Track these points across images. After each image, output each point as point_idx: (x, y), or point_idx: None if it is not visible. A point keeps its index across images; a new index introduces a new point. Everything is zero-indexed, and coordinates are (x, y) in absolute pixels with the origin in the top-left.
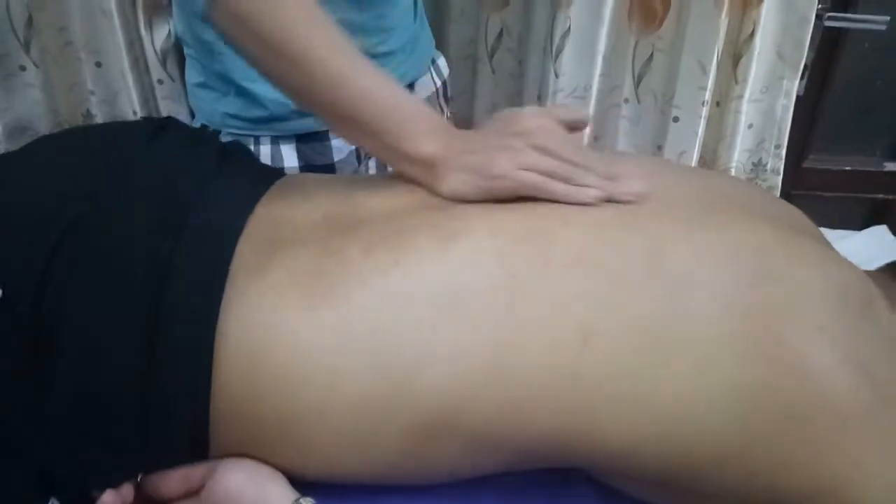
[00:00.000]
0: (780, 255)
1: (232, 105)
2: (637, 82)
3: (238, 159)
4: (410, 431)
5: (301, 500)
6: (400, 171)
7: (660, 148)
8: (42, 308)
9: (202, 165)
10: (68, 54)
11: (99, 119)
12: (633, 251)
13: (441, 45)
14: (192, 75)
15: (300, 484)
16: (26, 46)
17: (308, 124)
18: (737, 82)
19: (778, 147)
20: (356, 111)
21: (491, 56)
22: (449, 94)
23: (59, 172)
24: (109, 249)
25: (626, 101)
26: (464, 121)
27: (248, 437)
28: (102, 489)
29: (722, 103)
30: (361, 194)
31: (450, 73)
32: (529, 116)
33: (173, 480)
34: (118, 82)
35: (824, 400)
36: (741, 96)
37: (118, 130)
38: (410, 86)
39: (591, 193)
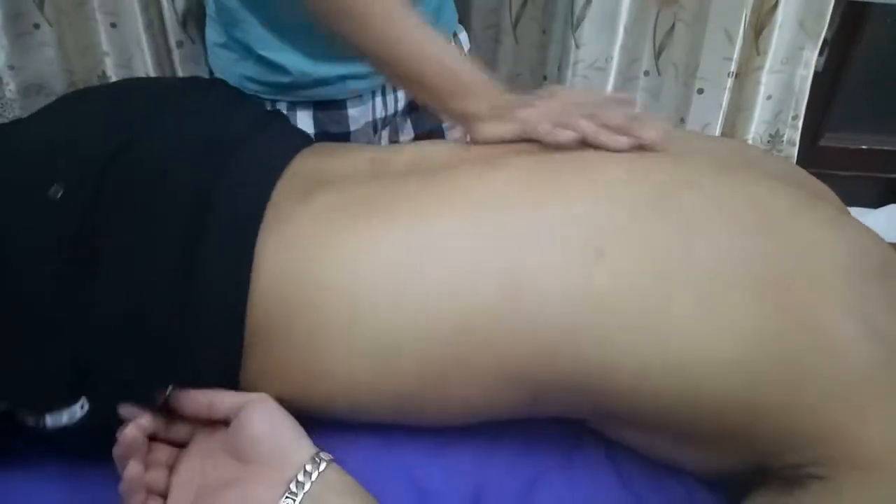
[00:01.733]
0: (795, 212)
1: (251, 69)
2: (658, 54)
3: (281, 122)
4: (428, 355)
5: (320, 454)
6: (450, 121)
7: (682, 120)
8: (96, 210)
9: (247, 118)
10: (84, 13)
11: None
12: (650, 189)
13: (464, 15)
14: (213, 35)
15: (320, 441)
16: (40, 4)
17: (328, 92)
18: (758, 53)
19: (795, 118)
20: (410, 71)
21: (515, 25)
22: None
23: (114, 107)
24: (157, 168)
25: (647, 73)
26: None
27: (279, 356)
28: (132, 401)
29: (742, 75)
30: (398, 150)
31: (471, 45)
32: (566, 90)
33: (200, 403)
34: (133, 44)
35: (831, 350)
36: (762, 67)
37: (169, 83)
38: None
39: (569, 136)
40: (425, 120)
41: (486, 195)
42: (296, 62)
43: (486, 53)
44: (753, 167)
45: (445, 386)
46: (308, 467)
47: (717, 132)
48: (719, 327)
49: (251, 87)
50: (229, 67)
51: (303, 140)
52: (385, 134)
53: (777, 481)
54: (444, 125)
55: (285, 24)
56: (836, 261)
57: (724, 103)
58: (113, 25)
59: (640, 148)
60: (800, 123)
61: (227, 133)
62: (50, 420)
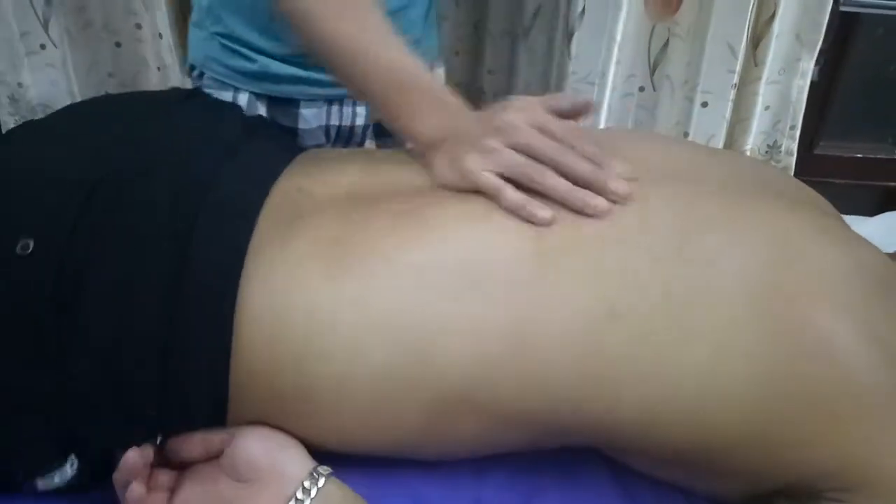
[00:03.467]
0: (803, 235)
1: (217, 51)
2: (653, 69)
3: (261, 134)
4: (430, 405)
5: (318, 469)
6: (408, 144)
7: (686, 134)
8: (68, 265)
9: (225, 137)
10: (89, 34)
11: None
12: (667, 230)
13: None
14: (193, 14)
15: (319, 454)
16: (45, 25)
17: (282, 90)
18: (756, 65)
19: (793, 128)
20: (367, 84)
21: (527, 34)
22: None
23: (86, 138)
24: (133, 215)
25: (642, 89)
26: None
27: (267, 407)
28: (123, 449)
29: (740, 86)
30: (386, 168)
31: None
32: (517, 110)
33: (193, 444)
34: (138, 64)
35: (846, 379)
36: (759, 78)
37: (145, 99)
38: None
39: (539, 215)
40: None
41: (479, 250)
42: (260, 53)
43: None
44: (759, 188)
45: (443, 433)
46: (307, 483)
47: (721, 144)
48: (733, 370)
49: (216, 70)
50: (198, 45)
51: (284, 150)
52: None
53: (788, 502)
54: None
55: (256, 21)
56: (847, 285)
57: (728, 115)
58: (118, 45)
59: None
60: (797, 133)
61: (204, 161)
62: (41, 484)
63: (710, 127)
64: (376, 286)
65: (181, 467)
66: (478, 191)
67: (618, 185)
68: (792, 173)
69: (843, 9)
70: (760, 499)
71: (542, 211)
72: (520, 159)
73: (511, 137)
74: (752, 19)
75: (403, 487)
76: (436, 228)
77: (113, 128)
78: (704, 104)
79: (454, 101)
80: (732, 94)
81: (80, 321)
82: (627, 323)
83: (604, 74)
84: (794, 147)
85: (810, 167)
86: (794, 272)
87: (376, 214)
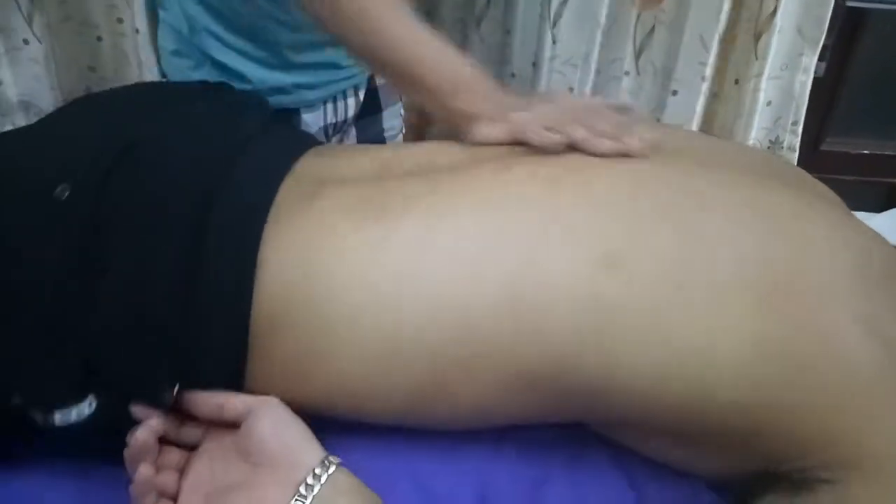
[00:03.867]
0: (800, 216)
1: (209, 75)
2: (638, 55)
3: (284, 124)
4: (433, 352)
5: (329, 457)
6: (444, 120)
7: (658, 121)
8: (100, 213)
9: (252, 121)
10: (71, 28)
11: None
12: (666, 198)
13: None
14: (166, 42)
15: (328, 441)
16: (29, 20)
17: (282, 101)
18: (757, 59)
19: (795, 124)
20: (402, 69)
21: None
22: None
23: (120, 111)
24: (160, 172)
25: (627, 73)
26: None
27: (284, 358)
28: (139, 399)
29: (741, 81)
30: (411, 147)
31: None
32: (564, 95)
33: (209, 405)
34: (120, 59)
35: (836, 355)
36: (761, 74)
37: (175, 87)
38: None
39: (557, 139)
40: (369, 128)
41: (492, 200)
42: (253, 70)
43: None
44: (760, 172)
45: (448, 388)
46: (317, 470)
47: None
48: (727, 333)
49: None
50: (184, 74)
51: (308, 141)
52: (335, 140)
53: (784, 483)
54: (385, 134)
55: (245, 33)
56: (841, 265)
57: (700, 108)
58: (99, 39)
59: (626, 155)
60: (800, 129)
61: (231, 136)
62: (59, 417)
63: (679, 117)
64: (398, 224)
65: (191, 448)
66: (507, 150)
67: (634, 141)
68: None
69: (849, 4)
70: (756, 482)
71: (554, 135)
72: (554, 114)
73: (554, 107)
74: (748, 14)
75: (409, 473)
76: (459, 182)
77: (145, 103)
78: (675, 93)
79: (484, 77)
80: (704, 86)
81: (109, 261)
82: (626, 275)
83: (587, 57)
84: (797, 143)
85: (817, 163)
86: (789, 248)
87: (396, 185)
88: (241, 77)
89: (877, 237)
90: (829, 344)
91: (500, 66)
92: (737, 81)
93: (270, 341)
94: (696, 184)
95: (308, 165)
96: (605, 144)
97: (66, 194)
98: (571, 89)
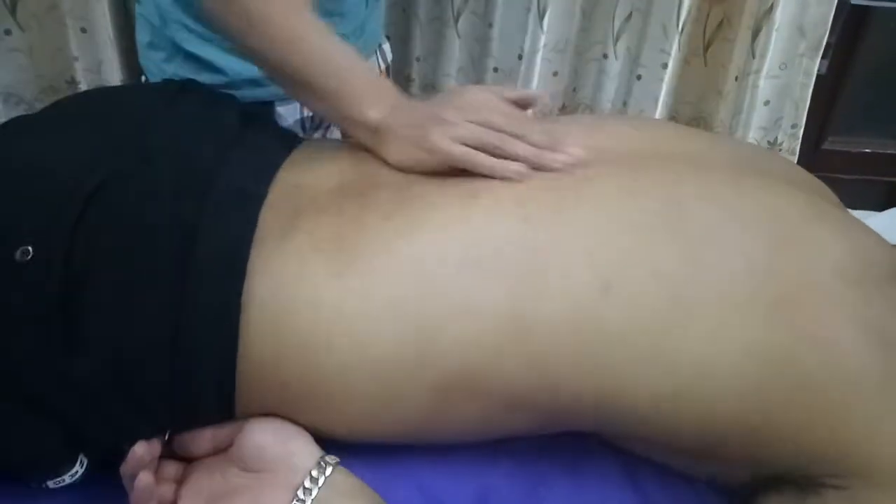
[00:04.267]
0: (804, 221)
1: (182, 68)
2: (616, 39)
3: (259, 124)
4: (434, 390)
5: (326, 457)
6: (350, 134)
7: (624, 104)
8: (70, 269)
9: (223, 130)
10: (54, 18)
11: (84, 86)
12: (658, 206)
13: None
14: (142, 34)
15: (326, 443)
16: (12, 10)
17: (258, 94)
18: (754, 57)
19: (794, 126)
20: (306, 73)
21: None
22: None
23: (81, 137)
24: (134, 214)
25: (605, 56)
26: (429, 85)
27: (274, 399)
28: (132, 444)
29: (740, 77)
30: (375, 160)
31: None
32: (474, 91)
33: (202, 439)
34: (104, 49)
35: (839, 367)
36: (758, 71)
37: (138, 93)
38: None
39: (512, 168)
40: None
41: (474, 232)
42: (228, 62)
43: (431, 47)
44: (761, 172)
45: (447, 415)
46: (314, 473)
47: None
48: (731, 350)
49: None
50: (159, 67)
51: (281, 145)
52: (318, 135)
53: (790, 487)
54: None
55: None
56: (845, 271)
57: (662, 94)
58: (83, 31)
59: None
60: (799, 133)
61: (203, 158)
62: (52, 484)
63: (642, 102)
64: (379, 279)
65: (188, 460)
66: (448, 169)
67: (573, 150)
68: None
69: (854, 1)
70: (762, 484)
71: (515, 166)
72: (483, 130)
73: (471, 115)
74: (746, 11)
75: (410, 476)
76: (428, 214)
77: (110, 123)
78: (639, 77)
79: (393, 87)
80: (664, 73)
81: (85, 321)
82: (622, 299)
83: (568, 41)
84: (797, 147)
85: (818, 162)
86: (792, 255)
87: (369, 207)
88: (215, 69)
89: (872, 234)
90: (835, 356)
91: (481, 60)
92: (736, 79)
93: (258, 395)
94: (704, 193)
95: (282, 188)
96: (550, 158)
97: (29, 257)
98: (556, 73)
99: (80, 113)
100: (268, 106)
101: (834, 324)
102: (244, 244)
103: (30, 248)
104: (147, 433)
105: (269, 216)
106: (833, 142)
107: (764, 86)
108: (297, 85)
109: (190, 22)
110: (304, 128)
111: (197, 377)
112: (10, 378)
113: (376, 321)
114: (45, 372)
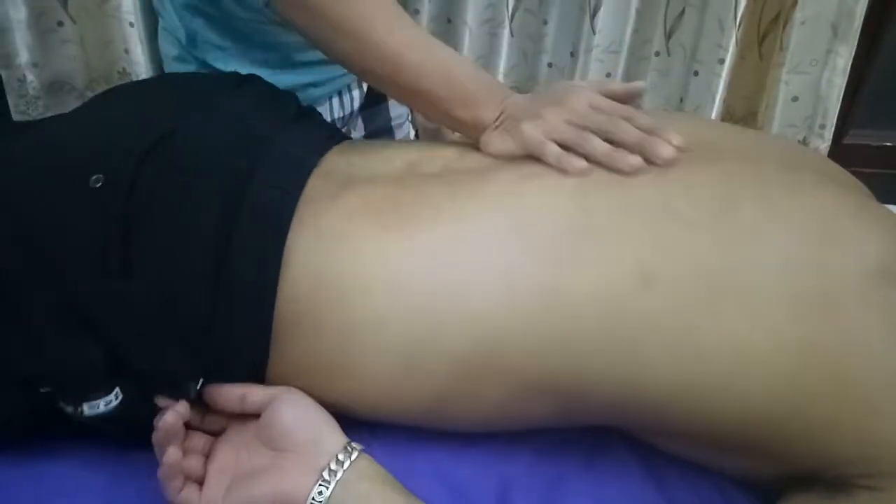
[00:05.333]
0: (846, 218)
1: None
2: (668, 36)
3: (312, 118)
4: (456, 363)
5: (352, 444)
6: (453, 129)
7: (681, 100)
8: (133, 199)
9: (281, 111)
10: (105, 11)
11: (134, 78)
12: (709, 201)
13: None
14: (167, 48)
15: (349, 433)
16: (64, 3)
17: None
18: (781, 49)
19: (822, 127)
20: (417, 85)
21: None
22: None
23: (158, 98)
24: (194, 158)
25: (658, 53)
26: None
27: (308, 357)
28: (164, 392)
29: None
30: (440, 147)
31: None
32: (572, 90)
33: (232, 397)
34: (149, 41)
35: (875, 365)
36: (782, 64)
37: (204, 80)
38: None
39: (578, 164)
40: (376, 117)
41: (526, 206)
42: (260, 74)
43: (484, 47)
44: (806, 169)
45: (470, 390)
46: (340, 456)
47: (714, 116)
48: (765, 343)
49: None
50: None
51: (335, 136)
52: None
53: (820, 484)
54: (392, 123)
55: (248, 39)
56: (881, 269)
57: (721, 89)
58: (131, 25)
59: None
60: (827, 134)
61: (261, 129)
62: (87, 408)
63: (699, 97)
64: (423, 232)
65: (216, 434)
66: (530, 158)
67: (664, 150)
68: None
69: None
70: (791, 481)
71: (578, 161)
72: (570, 127)
73: (566, 113)
74: (770, 4)
75: (432, 465)
76: (484, 186)
77: (181, 92)
78: (696, 73)
79: (498, 83)
80: (721, 69)
81: (139, 251)
82: (659, 289)
83: (622, 42)
84: (825, 148)
85: (840, 156)
86: (832, 251)
87: (430, 182)
88: None
89: None
90: (869, 354)
91: (536, 55)
92: (723, 62)
93: (294, 335)
94: (730, 182)
95: (335, 162)
96: (630, 161)
97: (100, 185)
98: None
99: (158, 86)
100: None
101: (867, 322)
102: (293, 198)
103: (101, 176)
104: (184, 371)
105: (320, 183)
106: (855, 135)
107: (792, 81)
108: (403, 94)
109: (220, 41)
110: None
111: (236, 312)
112: (67, 290)
113: (414, 270)
114: (98, 292)
